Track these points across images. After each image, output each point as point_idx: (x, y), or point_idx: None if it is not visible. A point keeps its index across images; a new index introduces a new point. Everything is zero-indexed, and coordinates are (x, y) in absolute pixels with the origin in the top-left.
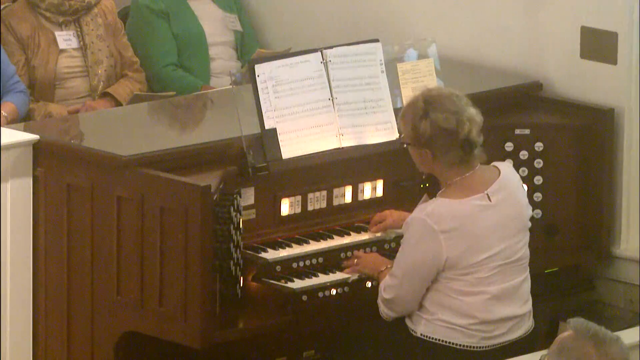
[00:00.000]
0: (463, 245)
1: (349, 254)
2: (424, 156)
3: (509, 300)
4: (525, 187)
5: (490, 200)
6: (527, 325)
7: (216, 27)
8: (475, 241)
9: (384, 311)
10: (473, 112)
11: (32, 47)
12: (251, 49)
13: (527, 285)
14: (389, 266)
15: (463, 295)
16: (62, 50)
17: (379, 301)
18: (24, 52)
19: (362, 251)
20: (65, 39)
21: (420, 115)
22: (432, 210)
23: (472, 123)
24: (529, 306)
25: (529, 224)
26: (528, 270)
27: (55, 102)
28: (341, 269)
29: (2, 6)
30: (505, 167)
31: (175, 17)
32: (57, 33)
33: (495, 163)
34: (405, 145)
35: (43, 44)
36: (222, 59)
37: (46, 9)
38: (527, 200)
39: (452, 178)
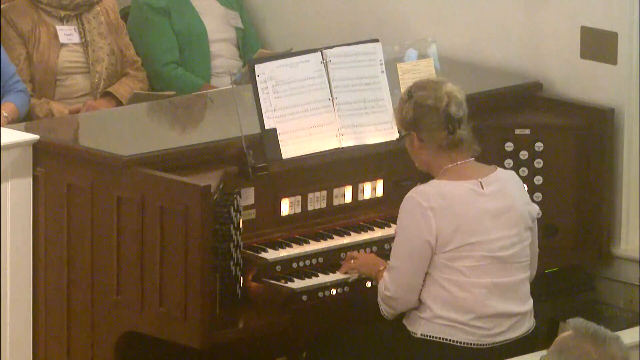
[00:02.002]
0: (452, 223)
1: (348, 254)
2: (412, 142)
3: (507, 296)
4: (526, 187)
5: (483, 188)
6: (528, 324)
7: (218, 23)
8: (464, 222)
9: (385, 309)
10: (452, 87)
11: (33, 41)
12: (253, 48)
13: (527, 285)
14: (387, 265)
15: (457, 287)
16: (63, 45)
17: (380, 300)
18: (25, 47)
19: (362, 251)
20: (67, 33)
21: (405, 100)
22: (422, 189)
23: (450, 97)
24: (529, 306)
25: (530, 224)
26: (529, 271)
27: (56, 100)
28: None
29: (1, 5)
30: (505, 170)
31: (177, 13)
32: (58, 27)
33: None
34: (399, 142)
35: (44, 38)
36: (223, 57)
37: (47, 3)
38: (527, 199)
39: (445, 164)
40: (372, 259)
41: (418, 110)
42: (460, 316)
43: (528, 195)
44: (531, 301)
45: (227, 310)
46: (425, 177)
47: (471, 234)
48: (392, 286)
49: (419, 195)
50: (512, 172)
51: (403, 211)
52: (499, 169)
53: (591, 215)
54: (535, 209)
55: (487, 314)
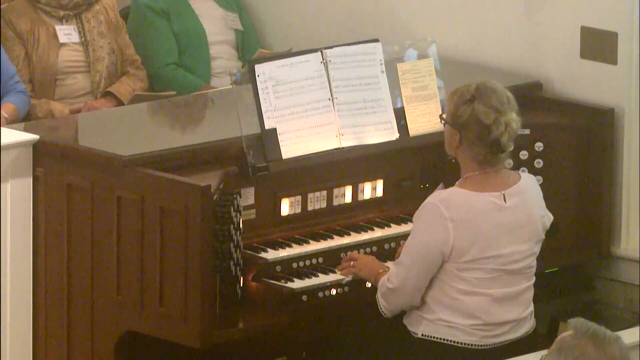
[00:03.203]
0: (470, 237)
1: (349, 254)
2: (452, 137)
3: (511, 305)
4: None
5: (505, 201)
6: (529, 325)
7: (217, 25)
8: (483, 236)
9: (384, 305)
10: (514, 118)
11: (32, 42)
12: (252, 49)
13: (531, 292)
14: (386, 269)
15: (464, 295)
16: (63, 44)
17: (379, 296)
18: (24, 47)
19: (362, 252)
20: (66, 33)
21: (466, 99)
22: (446, 197)
23: (507, 128)
24: (530, 309)
25: (542, 236)
26: (534, 279)
27: (56, 100)
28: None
29: (0, 5)
30: (527, 176)
31: (176, 15)
32: (57, 27)
33: (519, 172)
34: (442, 122)
35: (43, 38)
36: (222, 58)
37: (46, 3)
38: (543, 209)
39: (472, 170)
40: (372, 262)
41: (472, 120)
42: (465, 321)
43: (544, 204)
44: (532, 304)
45: (227, 310)
46: (427, 178)
47: (487, 249)
48: (395, 280)
49: (443, 204)
50: (533, 180)
51: (423, 215)
52: (522, 177)
53: (591, 215)
54: (550, 219)
55: (491, 322)
